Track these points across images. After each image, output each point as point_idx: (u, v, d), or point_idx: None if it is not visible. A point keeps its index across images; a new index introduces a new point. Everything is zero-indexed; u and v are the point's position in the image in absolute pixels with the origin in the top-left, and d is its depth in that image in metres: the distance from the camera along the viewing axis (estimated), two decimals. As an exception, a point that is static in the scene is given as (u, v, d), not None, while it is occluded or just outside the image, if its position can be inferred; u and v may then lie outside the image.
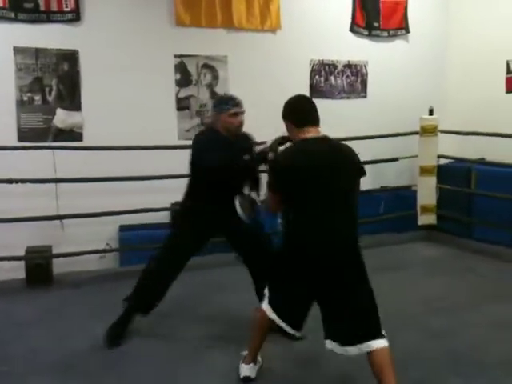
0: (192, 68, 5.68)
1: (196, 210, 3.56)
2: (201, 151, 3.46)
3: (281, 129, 5.65)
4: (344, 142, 2.95)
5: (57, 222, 4.85)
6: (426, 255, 5.72)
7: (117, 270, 5.22)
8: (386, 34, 6.57)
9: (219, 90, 5.77)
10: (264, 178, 3.00)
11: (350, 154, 2.81)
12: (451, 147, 6.28)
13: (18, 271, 4.84)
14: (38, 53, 5.07)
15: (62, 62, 5.17)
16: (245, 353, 3.11)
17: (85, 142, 5.20)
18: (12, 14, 4.95)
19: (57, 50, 5.13)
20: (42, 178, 4.75)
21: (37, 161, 4.79)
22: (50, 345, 3.62)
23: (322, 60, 6.29)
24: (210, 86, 5.78)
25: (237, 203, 3.40)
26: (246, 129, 6.05)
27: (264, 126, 5.81)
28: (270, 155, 3.07)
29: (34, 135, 5.07)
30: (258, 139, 5.55)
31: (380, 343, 2.73)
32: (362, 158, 6.42)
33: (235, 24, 5.76)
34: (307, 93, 6.21)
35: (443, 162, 6.33)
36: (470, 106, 6.40)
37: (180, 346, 3.56)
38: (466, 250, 5.74)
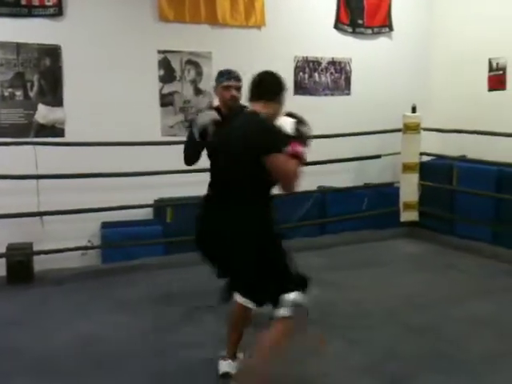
0: (176, 64, 5.65)
1: None
2: None
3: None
4: (261, 119, 2.73)
5: (38, 218, 4.81)
6: (408, 251, 5.77)
7: (99, 267, 5.19)
8: (369, 31, 6.59)
9: (203, 86, 5.75)
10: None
11: (254, 131, 2.66)
12: (433, 144, 6.33)
13: (-2, 268, 4.78)
14: (19, 48, 5.01)
15: (44, 58, 5.11)
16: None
17: (67, 138, 5.15)
18: (-8, 8, 4.89)
19: (38, 45, 5.07)
20: (23, 174, 4.70)
21: (18, 157, 4.74)
22: (32, 343, 3.59)
23: (307, 57, 6.29)
24: (194, 82, 5.76)
25: None
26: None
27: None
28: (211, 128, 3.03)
29: (15, 131, 5.01)
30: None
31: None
32: (345, 155, 6.52)
33: (219, 20, 5.74)
34: (291, 89, 6.22)
35: (425, 159, 6.38)
36: (453, 104, 6.45)
37: (166, 343, 3.55)
38: (447, 246, 5.79)
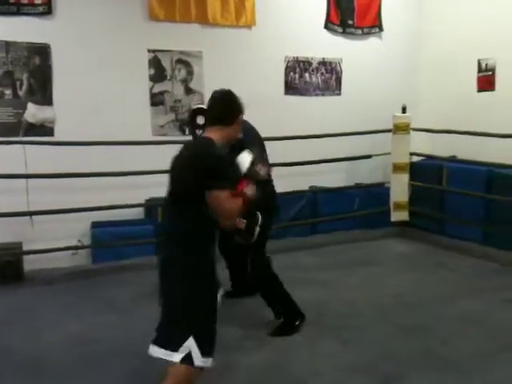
0: (166, 63, 5.63)
1: None
2: None
3: (256, 125, 5.61)
4: (204, 142, 2.51)
5: (27, 218, 4.76)
6: (399, 251, 5.79)
7: (89, 267, 5.16)
8: (360, 31, 6.61)
9: (194, 85, 5.74)
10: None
11: (191, 155, 2.45)
12: (423, 145, 6.36)
13: (-13, 268, 4.73)
14: (8, 46, 4.97)
15: (34, 56, 5.07)
16: None
17: (56, 137, 5.11)
18: (-20, 6, 4.84)
19: (28, 43, 5.03)
20: (12, 173, 4.66)
21: (7, 156, 4.70)
22: (22, 343, 3.57)
23: (297, 57, 6.30)
24: (185, 82, 5.74)
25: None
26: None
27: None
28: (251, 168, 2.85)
29: (4, 130, 4.96)
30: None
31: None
32: (336, 155, 6.52)
33: (210, 20, 5.73)
34: (282, 89, 6.23)
35: (416, 159, 6.41)
36: (442, 105, 6.48)
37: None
38: (437, 246, 5.82)
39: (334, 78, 6.53)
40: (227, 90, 2.77)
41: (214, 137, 2.49)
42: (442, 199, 6.05)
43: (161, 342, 2.47)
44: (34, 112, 5.10)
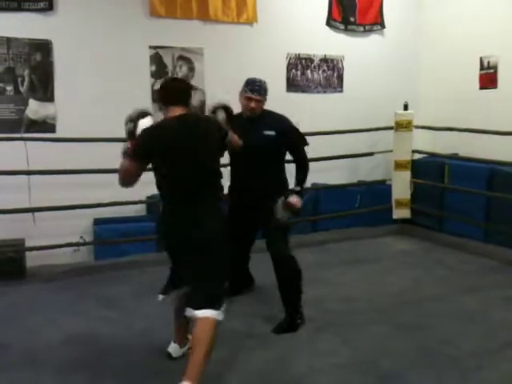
0: (168, 60, 5.63)
1: None
2: None
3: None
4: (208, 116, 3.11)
5: (29, 214, 4.76)
6: (400, 249, 5.79)
7: (91, 264, 5.17)
8: (361, 28, 6.60)
9: (195, 82, 5.73)
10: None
11: (211, 127, 2.96)
12: (425, 142, 6.36)
13: (-11, 265, 4.74)
14: (9, 42, 4.97)
15: (35, 52, 5.07)
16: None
17: (58, 134, 5.11)
18: (-19, 2, 4.84)
19: (29, 39, 5.03)
20: (14, 169, 4.66)
21: (9, 152, 4.69)
22: (23, 339, 3.57)
23: (299, 54, 6.29)
24: (186, 78, 5.73)
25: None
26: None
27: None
28: (129, 125, 3.06)
29: (5, 126, 4.96)
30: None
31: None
32: (338, 153, 6.53)
33: (211, 16, 5.73)
34: (284, 86, 6.23)
35: (417, 156, 6.40)
36: (444, 102, 6.47)
37: (157, 340, 3.54)
38: (439, 243, 5.82)
39: (335, 75, 6.52)
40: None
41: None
42: (444, 197, 6.05)
43: None
44: (35, 108, 5.10)
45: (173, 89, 2.97)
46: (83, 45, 5.23)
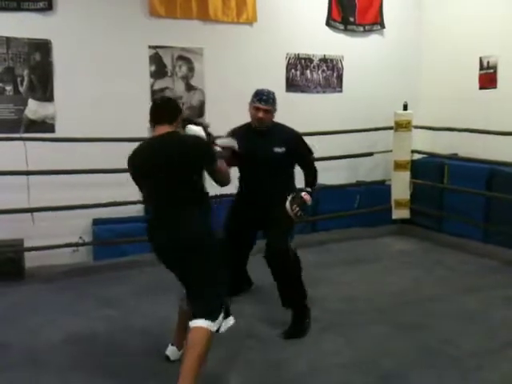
0: (167, 59, 5.62)
1: None
2: None
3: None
4: (191, 135, 3.03)
5: (28, 215, 4.75)
6: (400, 249, 5.78)
7: (90, 264, 5.16)
8: (361, 28, 6.59)
9: (195, 82, 5.73)
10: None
11: (186, 149, 2.91)
12: (425, 142, 6.36)
13: (-12, 265, 4.73)
14: (8, 42, 4.95)
15: (34, 52, 5.06)
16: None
17: (57, 134, 5.09)
18: (-19, 2, 4.83)
19: (28, 39, 5.02)
20: (13, 169, 4.65)
21: (8, 152, 4.68)
22: (22, 339, 3.57)
23: (298, 54, 6.28)
24: (186, 78, 5.73)
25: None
26: (222, 122, 6.04)
27: (240, 117, 5.81)
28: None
29: (4, 126, 4.95)
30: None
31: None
32: (337, 153, 6.53)
33: (211, 16, 5.72)
34: (283, 86, 6.22)
35: (417, 157, 6.40)
36: (444, 102, 6.47)
37: (156, 341, 3.53)
38: (439, 243, 5.82)
39: (335, 75, 6.52)
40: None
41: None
42: (443, 197, 6.05)
43: None
44: (34, 108, 5.09)
45: (156, 109, 3.09)
46: (83, 45, 5.21)
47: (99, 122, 5.17)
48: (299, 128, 5.87)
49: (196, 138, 3.00)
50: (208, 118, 5.83)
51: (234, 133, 3.92)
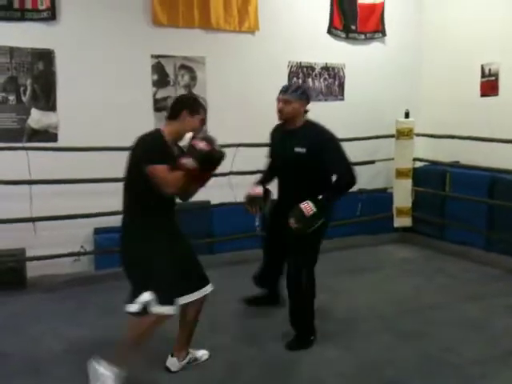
0: (169, 69, 5.64)
1: None
2: None
3: (259, 130, 5.57)
4: (149, 133, 3.09)
5: (30, 224, 4.76)
6: (402, 257, 5.78)
7: (92, 274, 5.17)
8: (363, 36, 6.61)
9: (197, 91, 5.74)
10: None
11: (135, 146, 3.02)
12: (426, 150, 6.36)
13: (-10, 274, 4.73)
14: (12, 52, 4.98)
15: (37, 62, 5.08)
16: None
17: (60, 143, 5.12)
18: (-16, 12, 4.86)
19: (32, 49, 5.04)
20: (15, 179, 4.67)
21: (10, 162, 4.71)
22: (24, 348, 3.58)
23: (300, 62, 6.30)
24: (188, 87, 5.75)
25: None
26: (224, 130, 6.07)
27: (243, 126, 5.84)
28: None
29: (7, 135, 4.97)
30: (237, 140, 5.58)
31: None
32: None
33: (213, 25, 5.74)
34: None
35: (419, 164, 6.40)
36: (445, 110, 6.48)
37: (156, 350, 3.53)
38: (441, 251, 5.81)
39: (336, 83, 6.53)
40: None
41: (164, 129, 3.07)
42: (445, 205, 6.04)
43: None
44: (37, 118, 5.11)
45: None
46: (85, 54, 5.24)
47: (102, 132, 5.19)
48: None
49: (143, 138, 3.00)
50: (210, 126, 5.84)
51: (271, 133, 3.87)
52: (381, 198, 6.41)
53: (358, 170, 6.28)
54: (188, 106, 3.06)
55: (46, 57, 5.10)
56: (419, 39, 6.86)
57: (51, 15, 5.07)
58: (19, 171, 4.64)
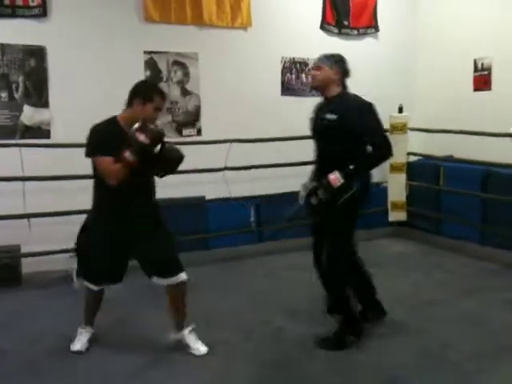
0: (162, 65, 5.63)
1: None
2: None
3: (253, 125, 5.64)
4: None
5: (25, 220, 4.75)
6: (396, 251, 5.79)
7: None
8: (355, 32, 6.61)
9: (190, 87, 5.74)
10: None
11: (87, 136, 3.20)
12: (420, 144, 6.37)
13: (-16, 272, 4.71)
14: (3, 48, 4.95)
15: (29, 59, 5.05)
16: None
17: (53, 140, 5.09)
18: (-25, 8, 4.83)
19: (23, 45, 5.02)
20: (8, 176, 4.65)
21: (3, 159, 4.68)
22: (19, 346, 3.56)
23: (293, 58, 6.30)
24: (181, 83, 5.73)
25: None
26: (218, 126, 6.05)
27: (236, 122, 5.84)
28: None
29: (0, 132, 4.95)
30: (230, 136, 5.57)
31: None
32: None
33: (205, 21, 5.72)
34: (278, 90, 6.24)
35: (412, 159, 6.41)
36: (438, 104, 6.49)
37: (152, 348, 3.53)
38: (435, 246, 5.83)
39: (330, 78, 6.52)
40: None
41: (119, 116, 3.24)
42: (439, 199, 6.06)
43: None
44: (30, 114, 5.09)
45: None
46: (77, 50, 5.21)
47: (95, 128, 5.16)
48: (295, 132, 5.94)
49: (94, 127, 3.18)
50: (204, 122, 5.84)
51: (312, 111, 3.67)
52: (375, 192, 6.38)
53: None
54: (140, 94, 3.15)
55: (37, 53, 5.08)
56: (412, 34, 6.86)
57: (42, 12, 5.05)
58: (12, 168, 4.62)
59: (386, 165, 6.23)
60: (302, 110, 6.35)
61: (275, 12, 6.14)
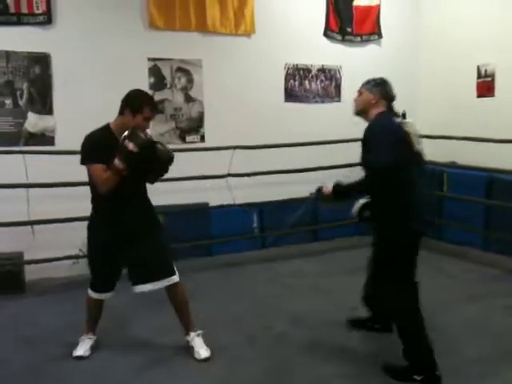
0: (166, 71, 5.65)
1: None
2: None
3: (256, 132, 5.64)
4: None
5: (28, 227, 4.76)
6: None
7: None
8: (358, 38, 6.63)
9: (194, 93, 5.76)
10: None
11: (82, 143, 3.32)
12: (423, 151, 6.35)
13: (-12, 278, 4.72)
14: (8, 56, 4.99)
15: (34, 66, 5.09)
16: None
17: (57, 147, 5.11)
18: (-20, 16, 4.86)
19: (28, 52, 5.05)
20: (12, 182, 4.67)
21: (7, 165, 4.69)
22: (22, 352, 3.57)
23: (297, 64, 6.32)
24: (185, 90, 5.76)
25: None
26: (221, 133, 6.06)
27: (240, 128, 5.85)
28: None
29: (4, 139, 4.97)
30: (234, 143, 5.58)
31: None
32: (338, 162, 6.53)
33: (209, 28, 5.75)
34: (282, 96, 6.26)
35: (416, 165, 6.40)
36: (442, 111, 6.50)
37: (154, 356, 3.52)
38: (437, 251, 5.81)
39: (333, 84, 6.55)
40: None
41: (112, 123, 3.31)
42: (443, 205, 6.05)
43: None
44: (34, 121, 5.11)
45: None
46: (82, 57, 5.25)
47: (99, 134, 5.18)
48: (298, 138, 5.95)
49: (88, 136, 3.30)
50: (207, 128, 5.85)
51: None
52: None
53: (356, 171, 6.39)
54: (130, 105, 3.20)
55: (42, 61, 5.11)
56: (415, 41, 6.88)
57: (47, 19, 5.08)
58: (16, 175, 4.63)
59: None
60: (306, 116, 6.44)
61: (278, 19, 6.17)
